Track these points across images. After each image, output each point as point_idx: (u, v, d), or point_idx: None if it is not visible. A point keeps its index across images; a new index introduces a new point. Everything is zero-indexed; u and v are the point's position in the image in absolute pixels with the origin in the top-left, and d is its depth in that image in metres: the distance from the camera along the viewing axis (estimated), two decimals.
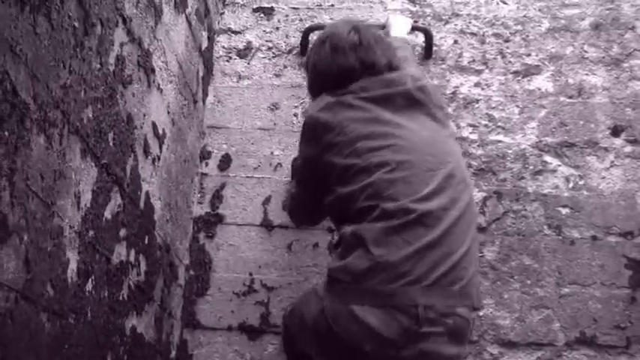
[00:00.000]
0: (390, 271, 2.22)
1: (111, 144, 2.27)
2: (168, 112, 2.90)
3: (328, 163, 2.51)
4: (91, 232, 2.15)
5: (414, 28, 3.53)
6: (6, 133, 1.60)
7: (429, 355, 2.25)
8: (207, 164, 3.53)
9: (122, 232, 2.44)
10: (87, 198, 2.11)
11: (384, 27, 3.38)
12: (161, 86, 2.78)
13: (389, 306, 2.21)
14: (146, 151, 2.63)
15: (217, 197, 3.48)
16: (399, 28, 3.39)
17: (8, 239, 1.64)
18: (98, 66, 2.13)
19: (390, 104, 2.56)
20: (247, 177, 3.50)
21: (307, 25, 3.71)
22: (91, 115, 2.09)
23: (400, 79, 2.63)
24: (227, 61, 3.73)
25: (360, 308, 2.22)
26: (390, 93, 2.59)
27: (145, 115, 2.60)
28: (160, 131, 2.80)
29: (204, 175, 3.51)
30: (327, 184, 2.53)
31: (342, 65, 2.67)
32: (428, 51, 3.66)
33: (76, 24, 1.95)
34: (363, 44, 2.68)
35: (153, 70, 2.66)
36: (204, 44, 3.49)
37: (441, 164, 2.44)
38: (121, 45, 2.32)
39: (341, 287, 2.29)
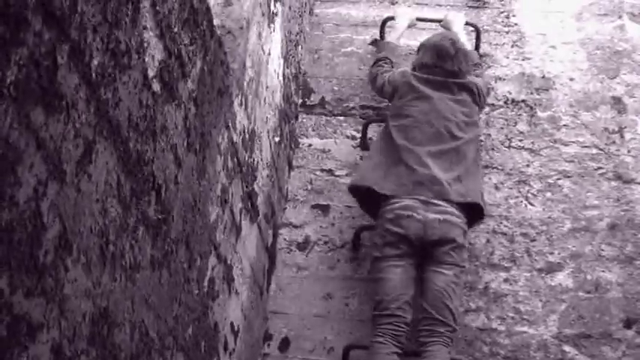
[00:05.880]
0: None
1: (202, 350, 2.83)
2: (242, 310, 3.47)
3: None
4: None
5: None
6: None
7: None
8: (269, 345, 4.06)
9: None
10: None
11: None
12: (238, 290, 3.36)
13: None
14: (225, 348, 3.19)
15: None
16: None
17: None
18: (197, 291, 2.72)
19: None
20: (303, 359, 4.02)
21: (359, 224, 4.29)
22: (190, 332, 2.66)
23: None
24: (288, 253, 4.31)
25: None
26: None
27: (225, 319, 3.17)
28: (236, 327, 3.37)
29: (266, 355, 4.04)
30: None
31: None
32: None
33: (185, 265, 2.55)
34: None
35: (233, 280, 3.25)
36: (270, 241, 4.08)
37: None
38: (212, 268, 2.91)
39: None
